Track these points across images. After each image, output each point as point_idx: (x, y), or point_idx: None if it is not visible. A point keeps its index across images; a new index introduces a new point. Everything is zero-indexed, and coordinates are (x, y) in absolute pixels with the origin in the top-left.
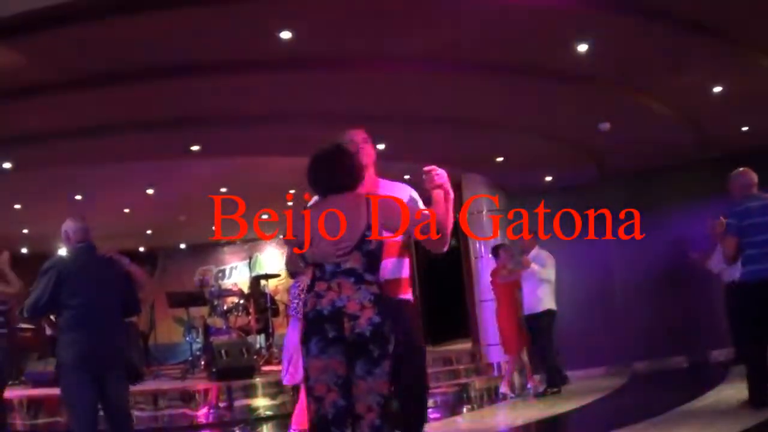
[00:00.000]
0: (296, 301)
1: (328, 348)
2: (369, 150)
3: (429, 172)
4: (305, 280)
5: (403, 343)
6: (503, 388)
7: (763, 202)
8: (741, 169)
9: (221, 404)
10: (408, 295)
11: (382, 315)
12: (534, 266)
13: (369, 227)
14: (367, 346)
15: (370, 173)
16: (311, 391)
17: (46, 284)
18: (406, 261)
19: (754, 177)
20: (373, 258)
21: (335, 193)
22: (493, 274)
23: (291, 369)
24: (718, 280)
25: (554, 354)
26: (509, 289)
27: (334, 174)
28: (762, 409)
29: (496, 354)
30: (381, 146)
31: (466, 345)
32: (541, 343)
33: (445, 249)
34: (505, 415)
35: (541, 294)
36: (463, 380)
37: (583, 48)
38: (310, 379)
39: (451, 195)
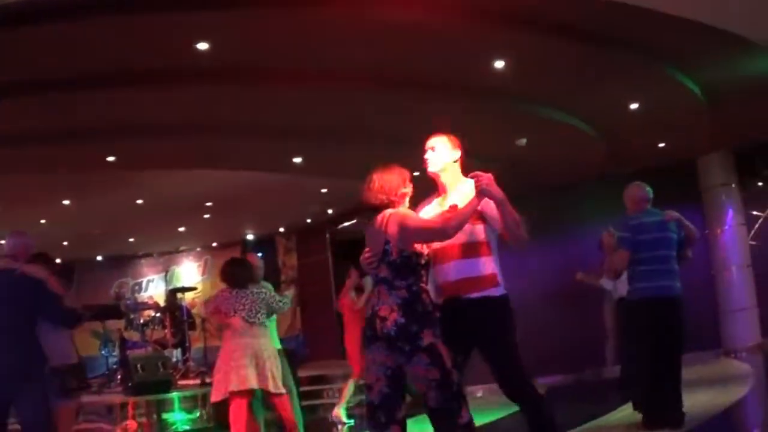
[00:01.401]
0: None
1: (371, 344)
2: (432, 156)
3: (473, 177)
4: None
5: (471, 336)
6: (336, 412)
7: (658, 218)
8: (635, 183)
9: (138, 419)
10: (478, 293)
11: (409, 316)
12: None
13: (387, 242)
14: (396, 343)
15: (450, 173)
16: (366, 379)
17: None
18: (477, 261)
19: (648, 192)
20: (398, 267)
21: (375, 212)
22: (342, 294)
23: (218, 385)
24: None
25: None
26: (358, 314)
27: (365, 196)
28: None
29: None
30: (297, 160)
31: None
32: None
33: (523, 245)
34: None
35: None
36: None
37: (500, 65)
38: (368, 369)
39: (499, 195)
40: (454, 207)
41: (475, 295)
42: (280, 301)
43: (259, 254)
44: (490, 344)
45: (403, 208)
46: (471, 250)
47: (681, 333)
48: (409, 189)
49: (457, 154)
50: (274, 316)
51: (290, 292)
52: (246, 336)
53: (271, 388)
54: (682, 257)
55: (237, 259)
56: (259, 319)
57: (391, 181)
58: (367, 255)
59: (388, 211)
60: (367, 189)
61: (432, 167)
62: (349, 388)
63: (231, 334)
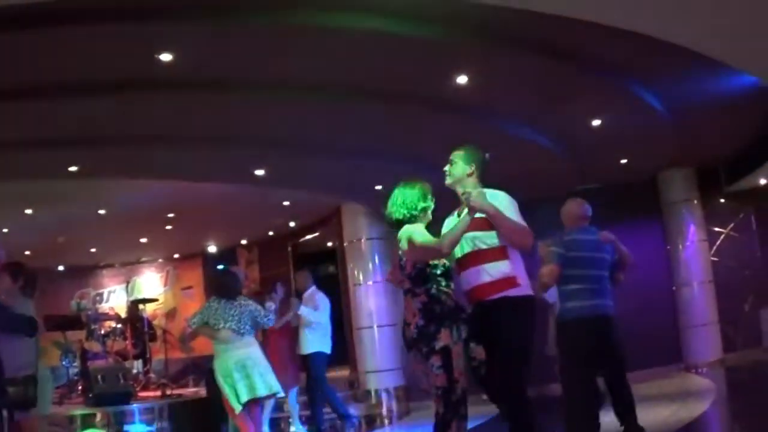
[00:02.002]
0: None
1: (408, 350)
2: (450, 169)
3: (465, 195)
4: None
5: (483, 339)
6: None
7: (593, 237)
8: (574, 199)
9: (99, 430)
10: (496, 294)
11: (428, 318)
12: (302, 311)
13: (402, 257)
14: (418, 344)
15: (467, 185)
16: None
17: None
18: (492, 266)
19: (587, 209)
20: (414, 278)
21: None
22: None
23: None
24: None
25: (325, 396)
26: (285, 329)
27: (388, 211)
28: None
29: (374, 381)
30: (260, 172)
31: (344, 372)
32: (309, 384)
33: (527, 250)
34: None
35: (310, 336)
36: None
37: (462, 79)
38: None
39: (489, 210)
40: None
41: (493, 297)
42: (265, 317)
43: (220, 266)
44: (498, 340)
45: (416, 225)
46: (484, 256)
47: (622, 351)
48: (430, 203)
49: (472, 167)
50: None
51: (272, 305)
52: (238, 347)
53: (262, 393)
54: (614, 280)
55: (227, 269)
56: (247, 330)
57: (412, 196)
58: (390, 273)
59: (404, 227)
60: (390, 204)
61: (448, 180)
62: (290, 400)
63: (223, 348)
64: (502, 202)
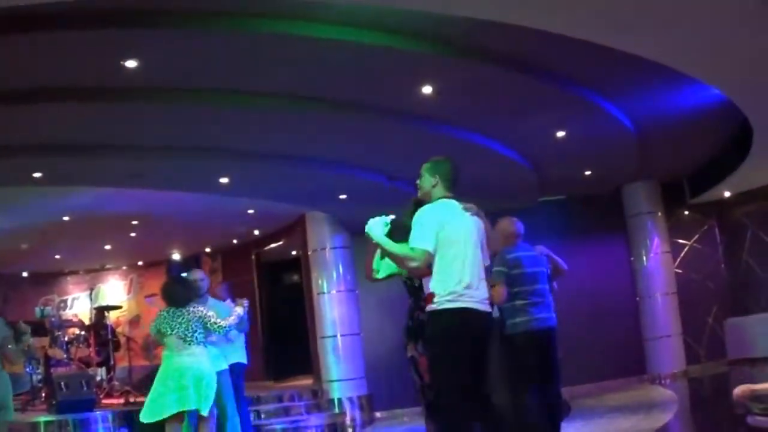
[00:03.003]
0: None
1: None
2: (421, 182)
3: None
4: None
5: None
6: None
7: (531, 253)
8: (507, 217)
9: None
10: (429, 307)
11: (403, 331)
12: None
13: None
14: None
15: (434, 197)
16: None
17: None
18: (427, 279)
19: (521, 226)
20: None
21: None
22: None
23: (151, 405)
24: None
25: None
26: None
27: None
28: None
29: (338, 390)
30: (224, 180)
31: (308, 381)
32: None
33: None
34: None
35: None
36: (303, 416)
37: (427, 90)
38: None
39: (374, 239)
40: None
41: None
42: (214, 324)
43: (184, 274)
44: None
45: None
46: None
47: (558, 363)
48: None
49: (435, 178)
50: (242, 335)
51: (241, 307)
52: (183, 355)
53: (203, 411)
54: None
55: (176, 277)
56: (196, 338)
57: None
58: None
59: None
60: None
61: (419, 192)
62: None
63: (168, 354)
64: (414, 221)
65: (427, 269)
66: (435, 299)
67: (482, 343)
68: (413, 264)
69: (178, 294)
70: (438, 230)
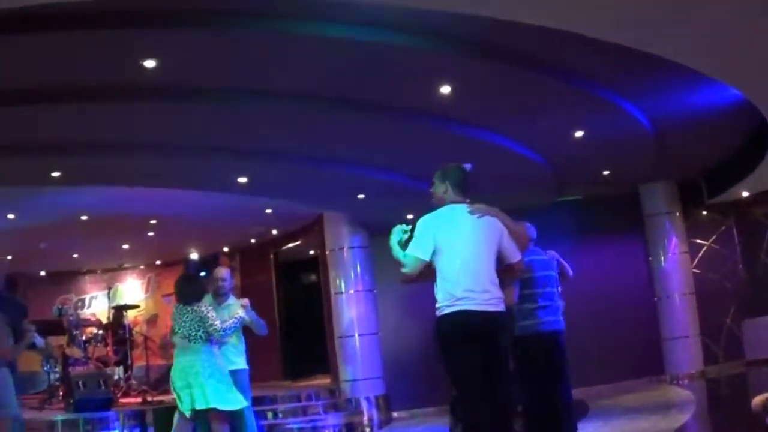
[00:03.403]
0: None
1: None
2: (433, 189)
3: None
4: None
5: None
6: None
7: (543, 257)
8: (521, 222)
9: None
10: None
11: None
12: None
13: None
14: None
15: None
16: None
17: None
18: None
19: (533, 231)
20: None
21: None
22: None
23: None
24: None
25: None
26: None
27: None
28: None
29: (355, 390)
30: (243, 179)
31: (325, 380)
32: None
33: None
34: None
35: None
36: (320, 416)
37: (446, 90)
38: None
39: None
40: None
41: None
42: (211, 326)
43: (202, 273)
44: None
45: None
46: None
47: (565, 366)
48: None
49: (446, 185)
50: (242, 339)
51: (241, 306)
52: (185, 354)
53: (199, 406)
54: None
55: (186, 274)
56: (199, 337)
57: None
58: None
59: None
60: None
61: (433, 199)
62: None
63: (175, 353)
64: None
65: (418, 276)
66: (436, 306)
67: (490, 342)
68: (403, 269)
69: (184, 290)
70: (434, 238)
